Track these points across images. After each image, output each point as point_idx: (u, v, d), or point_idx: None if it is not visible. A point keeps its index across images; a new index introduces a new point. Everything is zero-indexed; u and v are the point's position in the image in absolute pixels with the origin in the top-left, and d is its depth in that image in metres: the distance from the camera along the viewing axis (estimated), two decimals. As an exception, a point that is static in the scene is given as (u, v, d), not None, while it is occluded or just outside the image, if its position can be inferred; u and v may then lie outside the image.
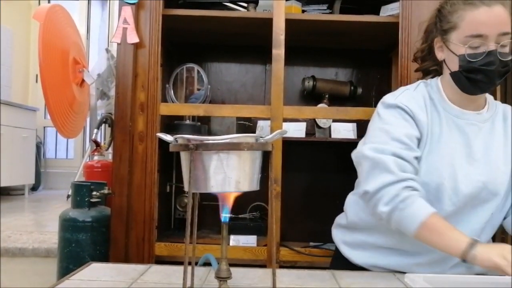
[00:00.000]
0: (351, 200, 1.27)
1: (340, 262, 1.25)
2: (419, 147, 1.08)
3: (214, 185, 0.74)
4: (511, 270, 0.89)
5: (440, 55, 1.14)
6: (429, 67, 1.22)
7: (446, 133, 1.09)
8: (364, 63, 2.19)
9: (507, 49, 1.04)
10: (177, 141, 0.77)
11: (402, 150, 1.03)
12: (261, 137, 0.76)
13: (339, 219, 1.33)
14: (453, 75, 1.09)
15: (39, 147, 4.54)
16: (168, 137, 0.78)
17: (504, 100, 2.06)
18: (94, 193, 1.75)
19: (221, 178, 0.73)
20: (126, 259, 1.67)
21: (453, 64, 1.09)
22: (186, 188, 0.76)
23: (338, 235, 1.30)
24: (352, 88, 2.11)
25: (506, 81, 2.08)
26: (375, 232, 1.18)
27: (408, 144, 1.04)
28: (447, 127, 1.10)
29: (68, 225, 1.70)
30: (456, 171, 1.07)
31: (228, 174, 0.73)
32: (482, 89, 1.08)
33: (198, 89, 2.03)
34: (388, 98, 1.13)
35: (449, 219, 1.04)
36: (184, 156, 0.77)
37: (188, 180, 0.73)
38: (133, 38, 1.67)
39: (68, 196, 3.26)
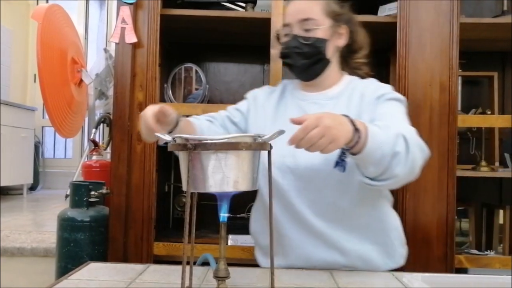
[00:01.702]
0: None
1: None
2: (247, 117, 1.27)
3: (213, 185, 0.74)
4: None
5: None
6: None
7: (290, 115, 1.13)
8: (362, 63, 2.18)
9: (311, 33, 1.13)
10: (175, 140, 0.77)
11: (229, 111, 1.30)
12: (259, 137, 0.76)
13: None
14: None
15: (38, 147, 4.53)
16: (166, 137, 0.79)
17: (502, 105, 2.06)
18: (93, 192, 1.75)
19: (219, 178, 0.74)
20: (124, 259, 1.67)
21: None
22: (184, 188, 0.76)
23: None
24: (350, 87, 2.10)
25: (504, 83, 2.08)
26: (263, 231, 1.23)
27: (230, 111, 1.30)
28: (292, 110, 1.18)
29: (66, 225, 1.70)
30: (295, 148, 1.09)
31: (227, 174, 0.73)
32: (298, 73, 1.18)
33: (196, 89, 2.03)
34: None
35: (305, 193, 1.12)
36: (182, 156, 0.77)
37: (186, 180, 0.74)
38: (131, 38, 1.67)
39: (66, 196, 3.26)
